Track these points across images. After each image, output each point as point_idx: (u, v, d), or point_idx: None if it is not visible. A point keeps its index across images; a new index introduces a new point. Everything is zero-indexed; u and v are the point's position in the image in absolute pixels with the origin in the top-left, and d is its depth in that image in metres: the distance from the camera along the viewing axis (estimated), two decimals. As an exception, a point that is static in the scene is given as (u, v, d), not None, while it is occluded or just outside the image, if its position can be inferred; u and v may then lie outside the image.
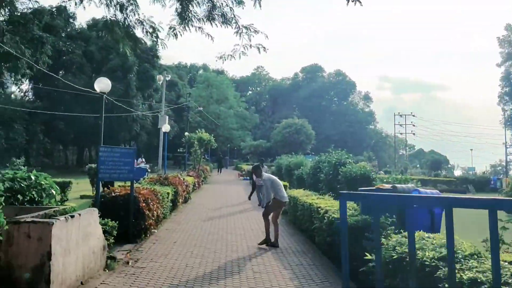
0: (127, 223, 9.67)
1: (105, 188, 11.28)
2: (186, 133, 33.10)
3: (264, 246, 9.80)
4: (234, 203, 18.86)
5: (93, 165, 20.59)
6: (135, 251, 9.00)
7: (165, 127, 19.45)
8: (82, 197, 19.73)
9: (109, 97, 39.77)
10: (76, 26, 44.47)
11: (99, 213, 7.43)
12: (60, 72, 41.65)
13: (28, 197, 7.56)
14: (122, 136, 43.03)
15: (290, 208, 13.51)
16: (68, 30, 41.95)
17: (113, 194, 9.93)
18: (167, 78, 32.46)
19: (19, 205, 7.37)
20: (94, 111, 38.65)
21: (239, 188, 28.25)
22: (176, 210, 15.67)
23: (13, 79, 30.68)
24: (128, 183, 10.12)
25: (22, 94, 41.83)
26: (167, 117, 21.13)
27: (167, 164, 20.36)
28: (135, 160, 31.91)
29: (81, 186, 22.42)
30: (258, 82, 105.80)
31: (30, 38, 29.47)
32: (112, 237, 8.17)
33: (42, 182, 7.64)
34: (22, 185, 7.37)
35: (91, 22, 46.57)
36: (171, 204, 14.62)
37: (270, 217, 10.14)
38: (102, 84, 10.35)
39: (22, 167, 25.48)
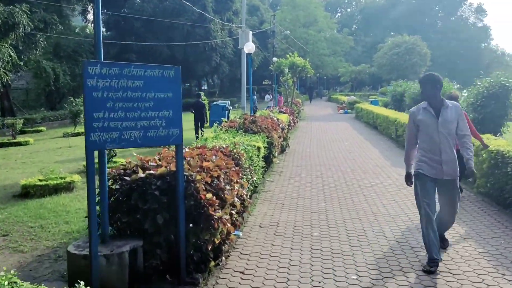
0: (176, 240, 4.21)
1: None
2: (275, 59, 26.96)
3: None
4: (353, 149, 12.81)
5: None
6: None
7: (248, 47, 13.56)
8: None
9: (182, 22, 34.44)
10: None
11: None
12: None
13: None
14: (201, 67, 37.86)
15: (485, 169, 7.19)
16: None
17: (141, 175, 4.39)
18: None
19: None
20: (168, 40, 33.81)
21: (345, 125, 22.05)
22: (271, 171, 10.07)
23: (67, 5, 26.15)
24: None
25: (87, 24, 37.65)
26: (250, 32, 15.10)
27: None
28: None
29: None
30: (348, 2, 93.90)
31: None
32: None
33: None
34: None
35: None
36: (263, 163, 9.03)
37: None
38: None
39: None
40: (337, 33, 65.92)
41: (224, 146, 6.48)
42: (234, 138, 8.31)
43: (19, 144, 17.09)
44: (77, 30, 35.94)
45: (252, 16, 55.45)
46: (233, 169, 5.54)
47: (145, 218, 4.24)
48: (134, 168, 4.61)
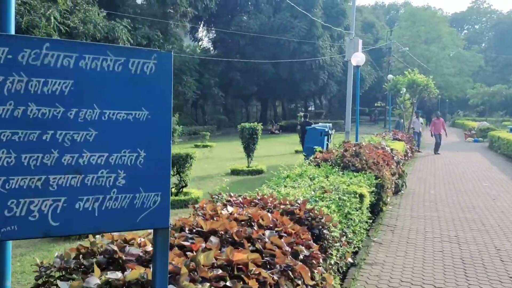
0: None
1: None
2: (390, 76, 23.64)
3: None
4: (498, 194, 9.27)
5: (247, 125, 13.72)
6: None
7: (357, 58, 10.82)
8: (233, 172, 13.16)
9: (289, 39, 32.71)
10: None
11: None
12: (239, 15, 36.04)
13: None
14: (307, 86, 35.49)
15: None
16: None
17: None
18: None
19: None
20: (273, 57, 32.31)
21: (477, 157, 17.87)
22: (379, 224, 7.20)
23: (172, 21, 25.81)
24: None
25: (196, 43, 37.71)
26: (360, 41, 12.36)
27: (359, 122, 12.10)
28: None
29: (239, 153, 15.82)
30: (476, 18, 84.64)
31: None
32: None
33: None
34: None
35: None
36: (368, 215, 6.26)
37: None
38: None
39: (177, 127, 20.52)
40: (464, 50, 59.01)
41: (300, 199, 3.96)
42: (326, 178, 5.76)
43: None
44: (187, 50, 36.24)
45: (366, 33, 52.04)
46: (305, 253, 2.98)
47: None
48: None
